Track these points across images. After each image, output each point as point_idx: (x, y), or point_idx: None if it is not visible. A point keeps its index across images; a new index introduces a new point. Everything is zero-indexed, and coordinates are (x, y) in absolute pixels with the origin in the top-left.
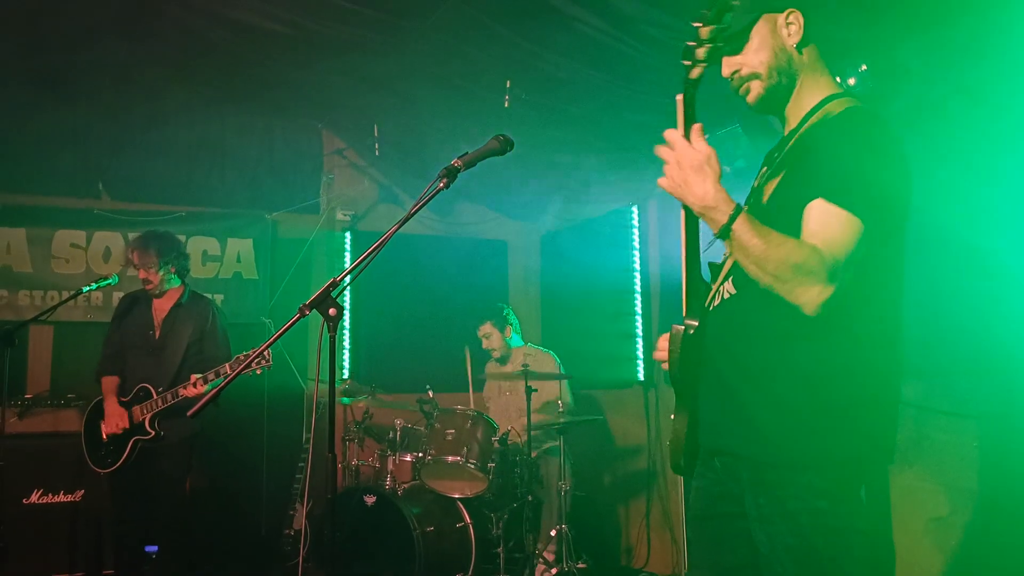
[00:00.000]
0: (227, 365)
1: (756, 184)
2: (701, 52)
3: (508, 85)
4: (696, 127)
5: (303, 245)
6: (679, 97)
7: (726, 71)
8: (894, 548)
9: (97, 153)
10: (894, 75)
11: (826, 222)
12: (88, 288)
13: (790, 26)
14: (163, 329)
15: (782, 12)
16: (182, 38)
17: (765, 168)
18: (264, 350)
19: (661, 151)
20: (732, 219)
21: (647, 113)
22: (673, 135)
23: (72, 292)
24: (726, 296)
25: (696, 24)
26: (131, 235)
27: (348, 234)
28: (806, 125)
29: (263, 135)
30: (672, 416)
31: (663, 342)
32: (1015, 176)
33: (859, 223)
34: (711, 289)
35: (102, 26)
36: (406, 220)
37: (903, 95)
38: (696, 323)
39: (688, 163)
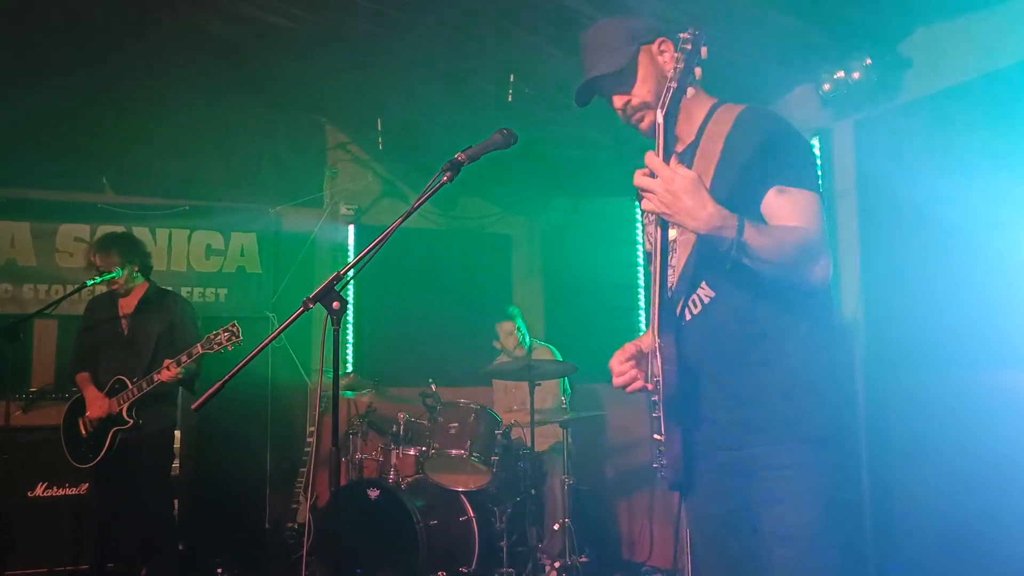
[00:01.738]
0: (199, 345)
1: None
2: (699, 72)
3: (511, 79)
4: (674, 157)
5: (306, 239)
6: (660, 117)
7: (618, 104)
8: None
9: (101, 147)
10: (898, 67)
11: (795, 204)
12: (92, 282)
13: (663, 54)
14: (131, 324)
15: (653, 43)
16: (185, 32)
17: None
18: (268, 344)
19: (643, 181)
20: (740, 231)
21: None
22: (655, 161)
23: (76, 286)
24: (706, 301)
25: (685, 45)
26: (96, 236)
27: (351, 228)
28: (706, 134)
29: (267, 129)
30: (657, 435)
31: (621, 365)
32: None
33: (816, 196)
34: (676, 301)
35: (105, 21)
36: (410, 213)
37: (906, 87)
38: (673, 336)
39: (680, 189)
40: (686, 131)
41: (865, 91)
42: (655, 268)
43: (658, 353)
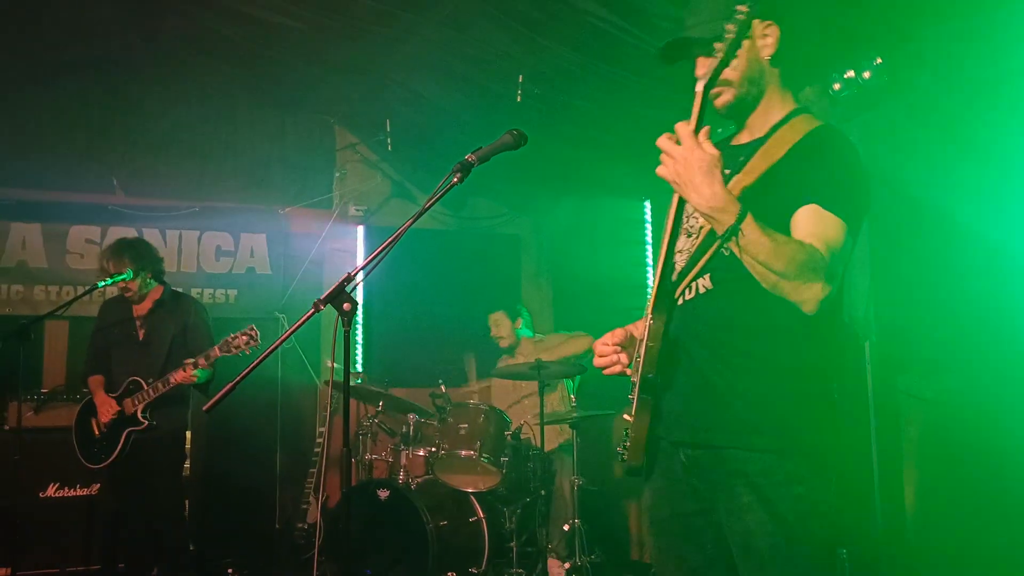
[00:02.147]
0: (216, 348)
1: None
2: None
3: (520, 80)
4: (705, 129)
5: (316, 240)
6: (700, 87)
7: (701, 71)
8: (876, 534)
9: (111, 149)
10: (909, 67)
11: (823, 225)
12: (103, 283)
13: (766, 38)
14: (146, 327)
15: (762, 21)
16: (195, 34)
17: (728, 171)
18: (279, 345)
19: (665, 144)
20: (740, 219)
21: (658, 107)
22: (684, 130)
23: (87, 287)
24: (701, 291)
25: (739, 15)
26: (133, 237)
27: (361, 229)
28: (776, 136)
29: (276, 131)
30: (628, 415)
31: (604, 347)
32: None
33: (847, 227)
34: (677, 284)
35: (115, 23)
36: (420, 214)
37: (918, 87)
38: (665, 317)
39: (696, 162)
40: (759, 125)
41: (876, 90)
42: (662, 247)
43: (646, 331)
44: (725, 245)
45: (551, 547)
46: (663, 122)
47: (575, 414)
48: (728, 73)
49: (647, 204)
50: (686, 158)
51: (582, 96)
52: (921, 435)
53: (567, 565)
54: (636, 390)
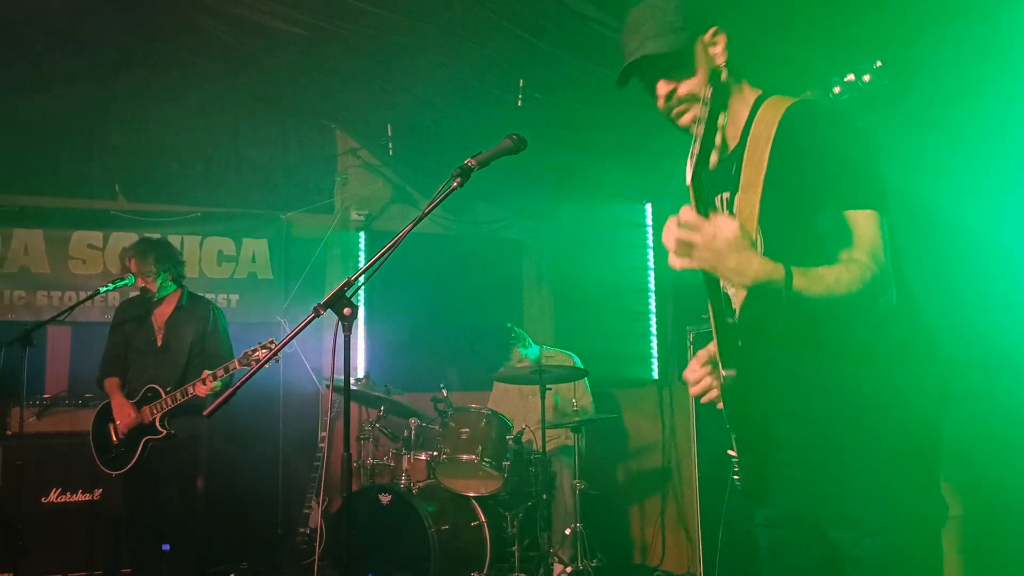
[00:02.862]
0: (236, 361)
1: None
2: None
3: (521, 84)
4: (715, 211)
5: (317, 245)
6: (689, 182)
7: (662, 91)
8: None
9: (113, 155)
10: (910, 70)
11: (858, 230)
12: (105, 288)
13: (715, 46)
14: (165, 332)
15: (706, 32)
16: (197, 40)
17: (727, 193)
18: (279, 350)
19: (681, 235)
20: (789, 280)
21: (658, 111)
22: (694, 218)
23: (89, 292)
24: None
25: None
26: (125, 244)
27: (362, 234)
28: (752, 137)
29: (277, 136)
30: (732, 453)
31: (694, 374)
32: None
33: (878, 216)
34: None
35: (117, 29)
36: (421, 219)
37: (918, 90)
38: (734, 370)
39: (725, 247)
40: (731, 133)
41: (876, 94)
42: (712, 313)
43: (719, 389)
44: (783, 304)
45: (553, 551)
46: (664, 127)
47: (577, 418)
48: (693, 87)
49: (648, 207)
50: (710, 245)
51: (583, 100)
52: None
53: (569, 569)
54: (734, 440)
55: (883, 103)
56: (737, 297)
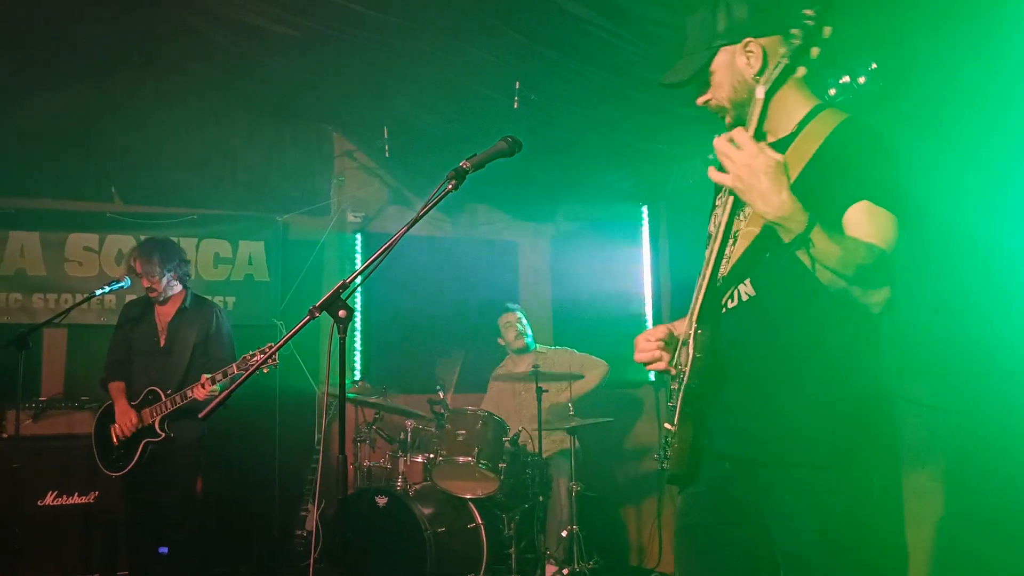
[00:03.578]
0: (234, 365)
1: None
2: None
3: (517, 86)
4: (765, 141)
5: (314, 247)
6: (760, 93)
7: (699, 101)
8: (906, 546)
9: (109, 157)
10: (904, 72)
11: (877, 224)
12: (101, 291)
13: (749, 56)
14: (168, 334)
15: (739, 42)
16: (193, 42)
17: None
18: (274, 352)
19: (725, 147)
20: (810, 227)
21: (655, 113)
22: (744, 136)
23: (85, 295)
24: (744, 298)
25: (808, 13)
26: (131, 245)
27: (359, 236)
28: (805, 132)
29: (274, 138)
30: (669, 424)
31: (646, 342)
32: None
33: (897, 222)
34: (721, 292)
35: (111, 31)
36: (415, 222)
37: (913, 92)
38: (709, 327)
39: (763, 168)
40: (781, 125)
41: (871, 95)
42: (710, 253)
43: (691, 340)
44: (763, 252)
45: (549, 553)
46: (659, 128)
47: (573, 421)
48: (721, 100)
49: (644, 209)
50: (750, 164)
51: (579, 102)
52: (918, 440)
53: (566, 571)
54: (679, 399)
55: (878, 105)
56: (734, 255)
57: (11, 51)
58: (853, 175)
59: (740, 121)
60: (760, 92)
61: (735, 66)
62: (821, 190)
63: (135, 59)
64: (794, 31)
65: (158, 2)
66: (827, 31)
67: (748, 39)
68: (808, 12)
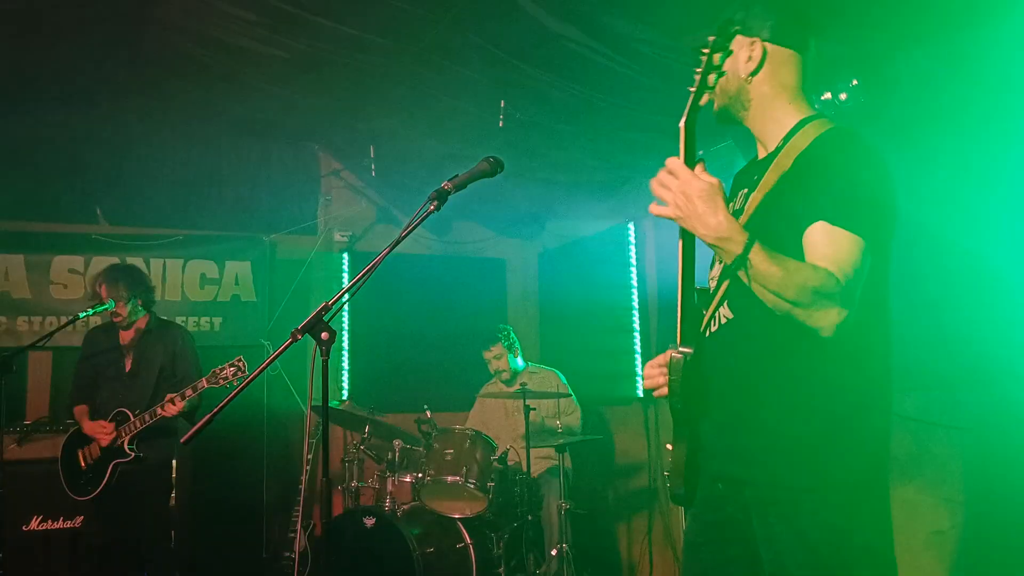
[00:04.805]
0: (203, 380)
1: (736, 206)
2: (711, 79)
3: (502, 105)
4: (700, 164)
5: (301, 266)
6: (682, 123)
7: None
8: (895, 563)
9: (94, 178)
10: (885, 88)
11: (835, 244)
12: (85, 314)
13: (751, 55)
14: (133, 357)
15: (750, 37)
16: (178, 62)
17: (745, 189)
18: (255, 378)
19: (662, 179)
20: (748, 248)
21: (640, 131)
22: (676, 164)
23: (70, 317)
24: (723, 321)
25: (704, 51)
26: (95, 269)
27: (346, 255)
28: (787, 147)
29: (260, 157)
30: (669, 446)
31: (651, 369)
32: (1008, 185)
33: (863, 242)
34: (704, 314)
35: (96, 52)
36: (397, 243)
37: (894, 108)
38: (691, 350)
39: (696, 193)
40: (772, 138)
41: (852, 112)
42: (679, 277)
43: (669, 364)
44: (735, 274)
45: (540, 572)
46: (645, 145)
47: (561, 440)
48: (722, 83)
49: (631, 226)
50: (684, 190)
51: (564, 120)
52: (905, 454)
53: None
54: (672, 421)
55: (859, 121)
56: (714, 279)
57: None
58: (814, 191)
59: (724, 110)
60: (681, 123)
61: (737, 57)
62: (789, 206)
63: (120, 80)
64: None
65: (144, 23)
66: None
67: (757, 39)
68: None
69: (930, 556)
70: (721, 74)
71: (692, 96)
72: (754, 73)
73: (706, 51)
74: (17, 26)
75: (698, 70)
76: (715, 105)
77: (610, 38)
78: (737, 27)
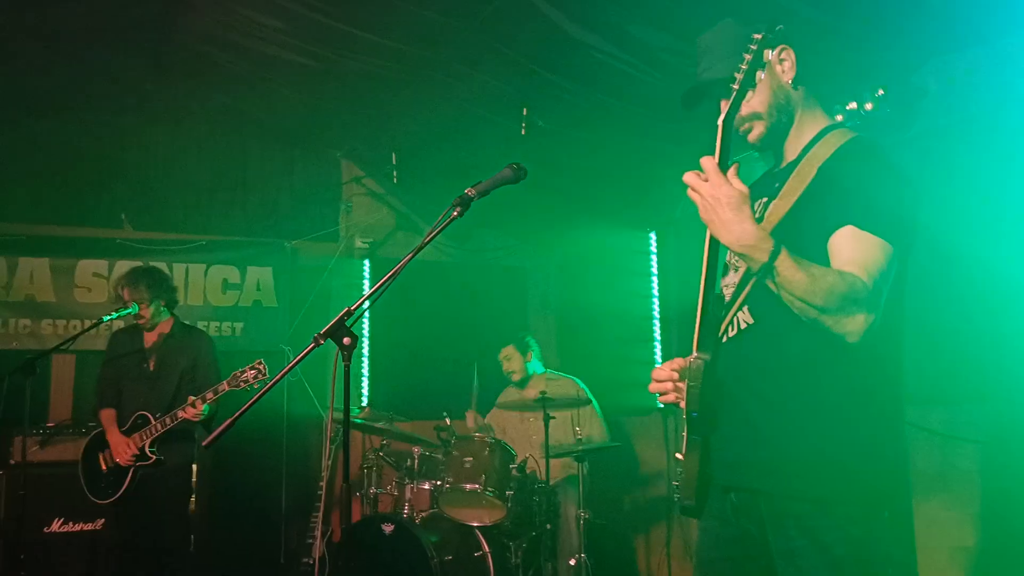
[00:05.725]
0: (224, 383)
1: (755, 215)
2: (758, 75)
3: (525, 113)
4: (734, 166)
5: (322, 273)
6: (720, 120)
7: (726, 109)
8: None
9: (120, 184)
10: (911, 100)
11: (863, 248)
12: (109, 317)
13: (783, 63)
14: (156, 359)
15: (774, 49)
16: (203, 69)
17: (765, 199)
18: (277, 381)
19: (692, 180)
20: (774, 256)
21: (663, 140)
22: (710, 165)
23: (94, 321)
24: (743, 326)
25: (751, 47)
26: (119, 273)
27: (367, 262)
28: (808, 156)
29: (283, 164)
30: (679, 455)
31: (660, 373)
32: None
33: (890, 248)
34: (722, 320)
35: (124, 58)
36: (420, 249)
37: (920, 120)
38: (709, 356)
39: (725, 199)
40: (793, 148)
41: (878, 122)
42: (702, 281)
43: (688, 370)
44: (760, 281)
45: None
46: (668, 154)
47: (581, 447)
48: (755, 105)
49: (652, 235)
50: (714, 195)
51: (586, 129)
52: (930, 468)
53: None
54: (685, 429)
55: (885, 131)
56: (733, 284)
57: (21, 78)
58: (841, 198)
59: (772, 131)
60: (720, 120)
61: (773, 71)
62: (815, 215)
63: (146, 86)
64: (746, 55)
65: (171, 29)
66: (772, 56)
67: (783, 46)
68: (755, 36)
69: (954, 572)
70: (761, 66)
71: (735, 93)
72: (795, 80)
73: (753, 47)
74: (47, 36)
75: (743, 66)
76: (763, 128)
77: (632, 46)
78: (780, 26)
